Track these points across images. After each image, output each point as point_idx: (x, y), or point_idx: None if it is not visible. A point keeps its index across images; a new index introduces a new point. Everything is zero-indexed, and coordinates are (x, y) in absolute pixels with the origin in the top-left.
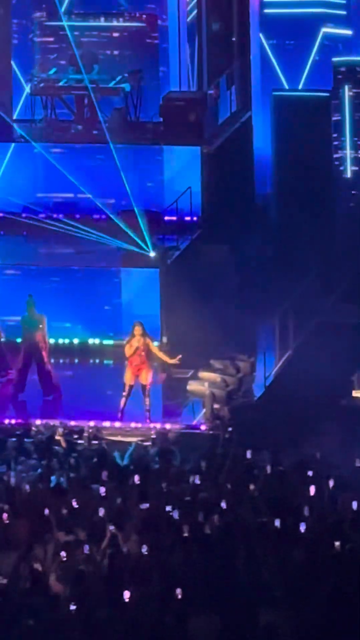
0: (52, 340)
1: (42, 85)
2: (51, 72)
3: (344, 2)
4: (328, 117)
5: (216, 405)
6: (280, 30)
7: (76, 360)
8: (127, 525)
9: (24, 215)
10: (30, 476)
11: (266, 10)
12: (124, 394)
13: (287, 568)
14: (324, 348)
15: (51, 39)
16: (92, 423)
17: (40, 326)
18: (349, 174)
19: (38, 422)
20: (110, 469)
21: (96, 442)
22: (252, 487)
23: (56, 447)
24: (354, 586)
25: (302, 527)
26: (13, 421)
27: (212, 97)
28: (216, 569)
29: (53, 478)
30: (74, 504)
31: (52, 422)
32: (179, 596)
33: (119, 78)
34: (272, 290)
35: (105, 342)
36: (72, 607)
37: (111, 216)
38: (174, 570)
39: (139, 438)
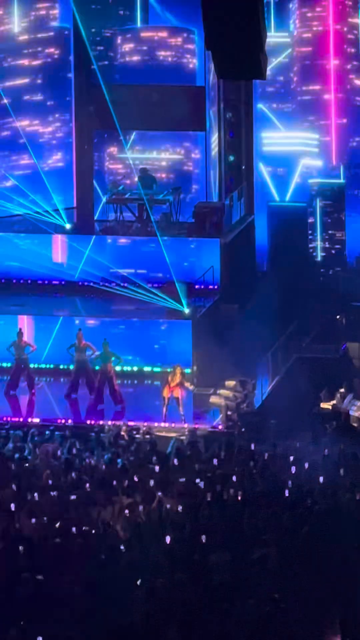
0: (118, 368)
1: (113, 197)
2: (120, 188)
3: (317, 142)
4: (305, 220)
5: (229, 413)
6: (274, 161)
7: (135, 382)
8: (169, 492)
9: (101, 283)
10: (104, 459)
11: (264, 148)
12: (164, 404)
13: (275, 520)
14: (301, 375)
15: (120, 166)
16: (145, 423)
17: (112, 359)
18: (319, 258)
19: (109, 422)
20: (158, 454)
21: (148, 436)
22: (253, 467)
23: (121, 440)
24: (322, 531)
25: (287, 493)
26: (93, 422)
27: (227, 206)
28: (228, 521)
29: (119, 460)
30: (134, 478)
31: (118, 423)
32: (203, 540)
33: (165, 192)
34: (267, 334)
35: (155, 369)
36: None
37: (159, 285)
38: (199, 523)
39: (177, 434)
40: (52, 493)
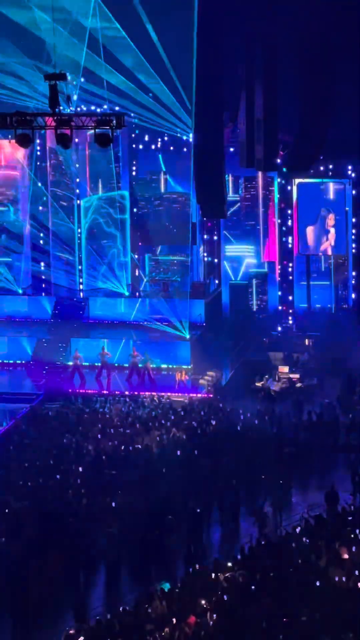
0: (152, 365)
1: (156, 278)
2: (154, 275)
3: (253, 251)
4: (247, 290)
5: (209, 388)
6: (231, 259)
7: (162, 372)
8: (179, 428)
9: (144, 322)
10: (145, 412)
11: (227, 253)
12: (177, 383)
13: (231, 439)
14: (245, 369)
15: (155, 264)
16: (167, 393)
17: (149, 360)
18: (254, 309)
19: (146, 394)
20: (174, 410)
21: (168, 400)
22: (221, 415)
23: (154, 402)
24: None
25: (238, 428)
26: (139, 393)
27: (207, 283)
28: (211, 442)
29: (153, 412)
30: (161, 421)
31: (152, 393)
32: (196, 453)
33: (176, 276)
34: (228, 348)
35: (170, 366)
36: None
37: (173, 322)
38: (194, 443)
39: (183, 399)
40: (120, 429)
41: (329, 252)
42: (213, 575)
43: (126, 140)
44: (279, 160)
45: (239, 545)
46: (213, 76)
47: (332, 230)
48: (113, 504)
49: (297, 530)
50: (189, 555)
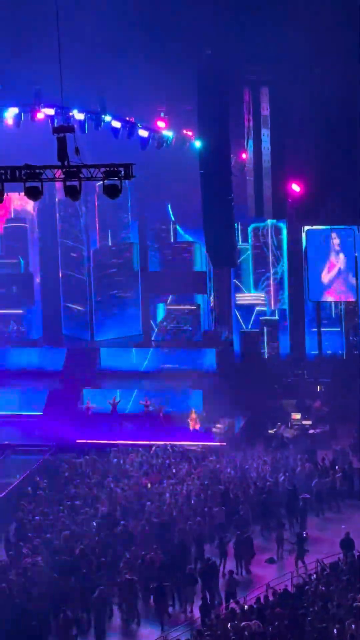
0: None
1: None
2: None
3: (264, 299)
4: (258, 338)
5: (222, 435)
6: (242, 308)
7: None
8: (189, 481)
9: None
10: (158, 461)
11: (238, 302)
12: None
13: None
14: (259, 414)
15: (173, 311)
16: (180, 442)
17: (161, 407)
18: (266, 356)
19: (159, 443)
20: (187, 459)
21: (181, 449)
22: (234, 462)
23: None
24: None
25: (253, 474)
26: (151, 443)
27: (218, 333)
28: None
29: (167, 462)
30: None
31: (163, 443)
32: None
33: (187, 325)
34: (241, 395)
35: (183, 414)
36: None
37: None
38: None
39: (195, 447)
40: (133, 479)
41: (339, 298)
42: (229, 624)
43: (135, 191)
44: (287, 209)
45: (254, 594)
46: (219, 124)
47: (342, 277)
48: (127, 555)
49: (313, 577)
50: (204, 605)
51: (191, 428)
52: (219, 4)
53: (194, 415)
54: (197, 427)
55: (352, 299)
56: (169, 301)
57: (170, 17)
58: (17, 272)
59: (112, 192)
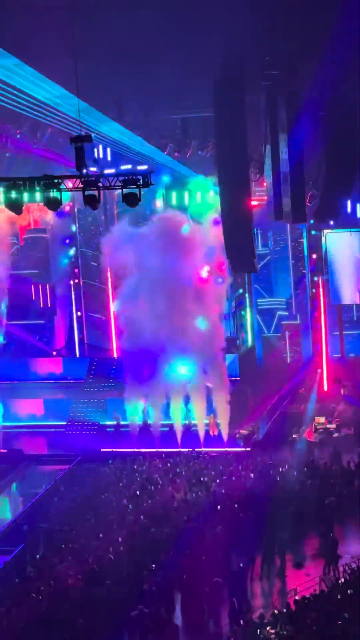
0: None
1: None
2: None
3: (285, 303)
4: (280, 343)
5: (246, 441)
6: (264, 312)
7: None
8: (214, 487)
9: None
10: (179, 470)
11: (259, 307)
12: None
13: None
14: (278, 420)
15: None
16: (205, 449)
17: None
18: (288, 360)
19: (184, 450)
20: (212, 465)
21: (206, 456)
22: (259, 467)
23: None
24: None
25: (277, 478)
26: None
27: (240, 338)
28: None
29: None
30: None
31: (188, 450)
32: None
33: None
34: (261, 400)
35: (206, 421)
36: None
37: None
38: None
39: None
40: (159, 486)
41: None
42: (258, 630)
43: (154, 198)
44: (307, 212)
45: (284, 599)
46: (236, 130)
47: None
48: (153, 565)
49: (341, 582)
50: (234, 610)
51: (211, 434)
52: (236, 9)
53: (213, 421)
54: (216, 432)
55: None
56: None
57: (186, 25)
58: (37, 282)
59: (131, 200)
